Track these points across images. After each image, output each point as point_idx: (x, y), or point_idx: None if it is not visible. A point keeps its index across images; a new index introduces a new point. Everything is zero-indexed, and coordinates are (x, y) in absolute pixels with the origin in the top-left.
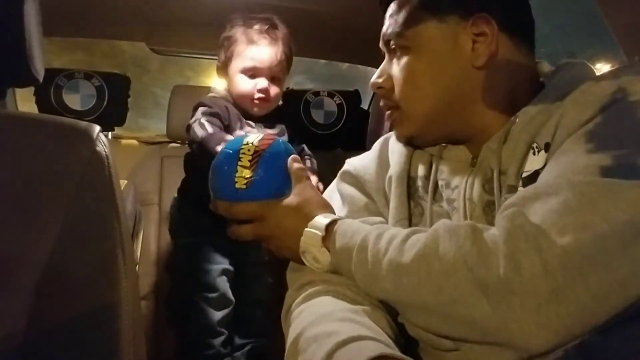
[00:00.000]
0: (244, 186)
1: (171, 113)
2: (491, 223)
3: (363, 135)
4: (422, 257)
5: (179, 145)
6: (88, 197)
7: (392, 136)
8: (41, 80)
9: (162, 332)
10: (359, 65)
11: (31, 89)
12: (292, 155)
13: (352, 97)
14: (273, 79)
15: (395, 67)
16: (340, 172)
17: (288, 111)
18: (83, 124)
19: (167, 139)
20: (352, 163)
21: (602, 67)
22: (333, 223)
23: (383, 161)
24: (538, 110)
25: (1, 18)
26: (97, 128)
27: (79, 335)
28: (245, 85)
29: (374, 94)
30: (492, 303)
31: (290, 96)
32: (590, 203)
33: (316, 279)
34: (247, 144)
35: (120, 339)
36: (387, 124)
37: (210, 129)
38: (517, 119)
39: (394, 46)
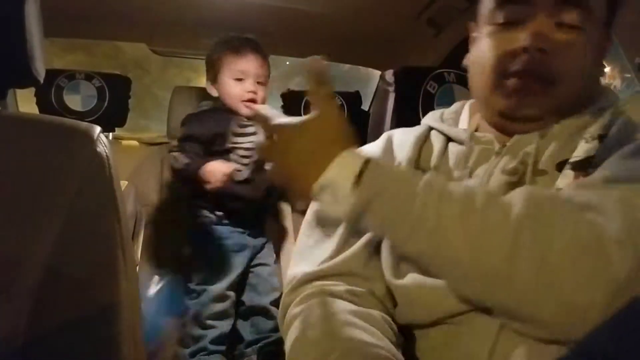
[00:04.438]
0: None
1: (172, 114)
2: None
3: (363, 136)
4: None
5: None
6: (88, 198)
7: (396, 132)
8: (42, 81)
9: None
10: (360, 67)
11: (32, 90)
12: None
13: (353, 98)
14: (258, 83)
15: (563, 40)
16: None
17: (288, 112)
18: (84, 124)
19: (168, 140)
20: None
21: None
22: (369, 160)
23: (387, 153)
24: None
25: (2, 19)
26: (98, 129)
27: (79, 336)
28: (235, 89)
29: (374, 95)
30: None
31: (291, 97)
32: None
33: (314, 278)
34: None
35: (121, 340)
36: (387, 126)
37: (184, 159)
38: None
39: (568, 21)
